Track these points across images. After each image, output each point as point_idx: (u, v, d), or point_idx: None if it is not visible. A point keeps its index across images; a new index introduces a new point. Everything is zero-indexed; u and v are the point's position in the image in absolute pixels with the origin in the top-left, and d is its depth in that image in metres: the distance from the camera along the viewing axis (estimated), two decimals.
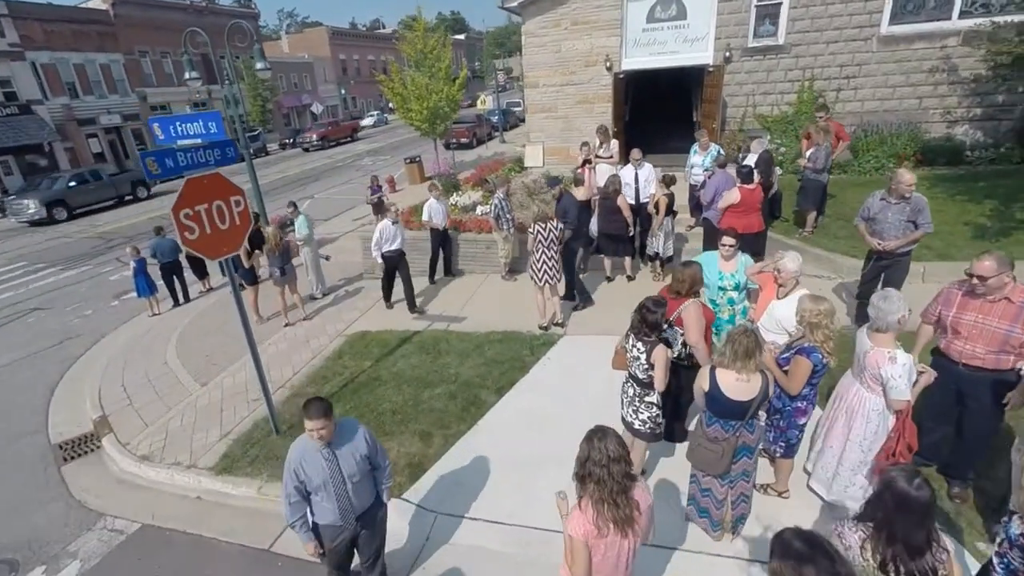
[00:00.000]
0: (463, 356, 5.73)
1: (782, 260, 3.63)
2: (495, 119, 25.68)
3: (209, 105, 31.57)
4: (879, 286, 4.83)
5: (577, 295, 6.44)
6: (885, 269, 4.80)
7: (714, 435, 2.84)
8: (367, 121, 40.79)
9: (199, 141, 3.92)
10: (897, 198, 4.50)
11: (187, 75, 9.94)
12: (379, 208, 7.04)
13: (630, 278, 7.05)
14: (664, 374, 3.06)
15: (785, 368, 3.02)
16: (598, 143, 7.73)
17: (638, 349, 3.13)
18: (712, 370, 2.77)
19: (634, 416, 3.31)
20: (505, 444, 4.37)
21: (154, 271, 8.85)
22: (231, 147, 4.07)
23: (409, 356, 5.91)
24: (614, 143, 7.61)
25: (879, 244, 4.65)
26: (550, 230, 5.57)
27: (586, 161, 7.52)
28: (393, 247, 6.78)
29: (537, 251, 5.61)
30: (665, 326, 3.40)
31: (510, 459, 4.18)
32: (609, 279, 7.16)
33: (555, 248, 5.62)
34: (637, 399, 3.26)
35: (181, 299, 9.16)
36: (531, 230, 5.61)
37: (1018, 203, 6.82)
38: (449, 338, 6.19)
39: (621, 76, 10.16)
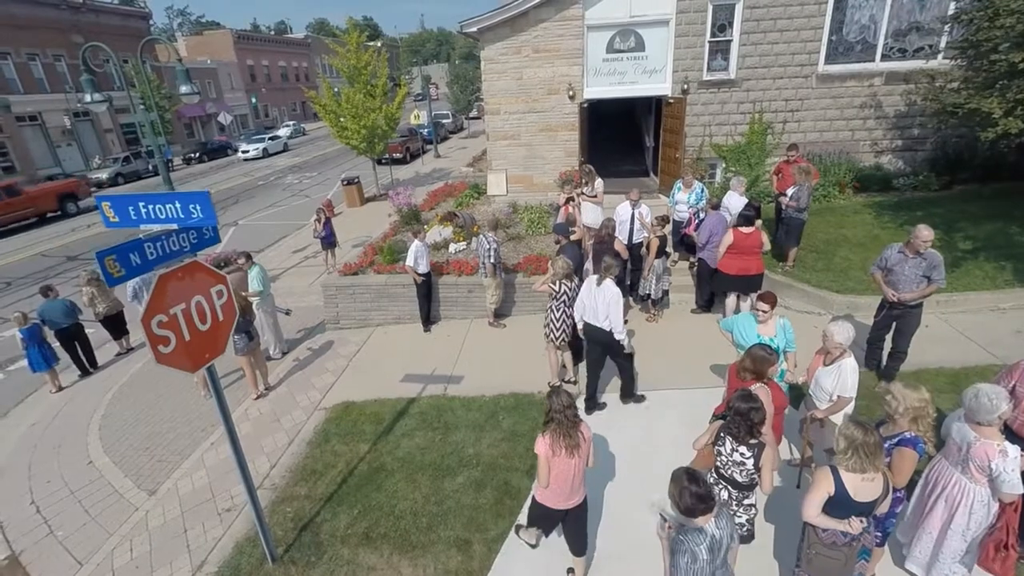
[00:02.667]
0: (477, 429, 5.23)
1: (829, 329, 3.66)
2: (426, 132, 25.06)
3: (92, 115, 27.53)
4: (890, 333, 5.09)
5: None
6: (897, 319, 4.96)
7: (831, 540, 2.71)
8: (282, 132, 37.76)
9: (173, 226, 3.11)
10: (913, 253, 4.63)
11: (88, 97, 8.38)
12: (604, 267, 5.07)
13: None
14: (772, 476, 2.94)
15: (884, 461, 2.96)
16: (583, 181, 7.65)
17: (742, 454, 2.93)
18: (836, 473, 2.62)
19: None
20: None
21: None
22: (212, 227, 3.31)
23: (412, 434, 5.30)
24: (599, 182, 7.55)
25: (894, 295, 4.78)
26: (574, 289, 5.26)
27: (569, 199, 7.39)
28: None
29: (558, 310, 5.29)
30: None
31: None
32: None
33: (571, 305, 5.35)
34: (734, 503, 3.07)
35: (88, 367, 7.72)
36: (554, 288, 5.25)
37: (958, 232, 7.66)
38: (453, 406, 5.65)
39: (585, 105, 10.24)
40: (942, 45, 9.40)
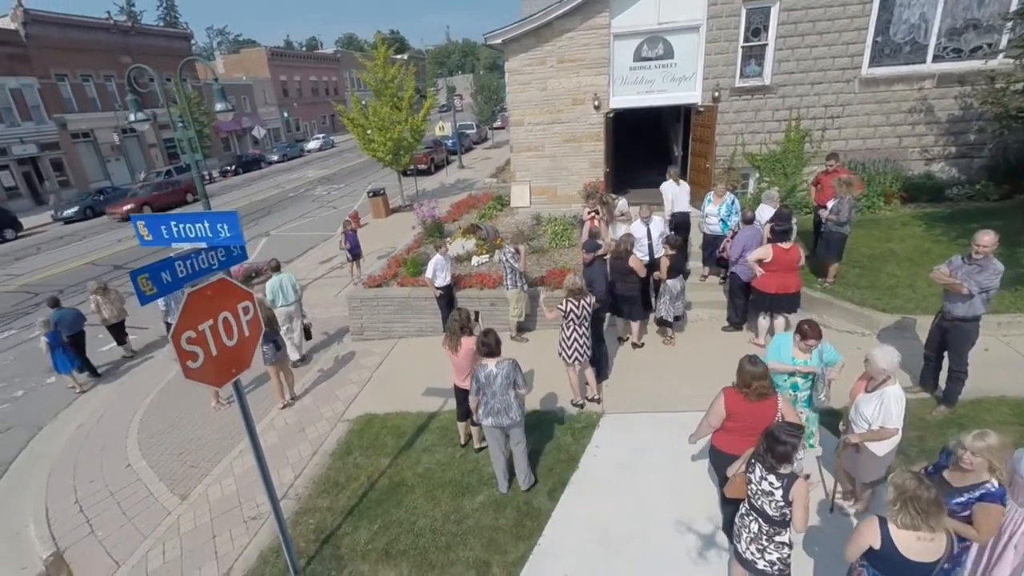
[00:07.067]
0: None
1: (872, 354, 3.50)
2: (450, 143, 25.67)
3: (138, 131, 29.61)
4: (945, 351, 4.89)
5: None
6: (945, 332, 4.80)
7: None
8: (312, 144, 39.90)
9: (202, 245, 3.34)
10: (969, 259, 4.51)
11: (132, 117, 9.10)
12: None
13: (636, 345, 6.78)
14: (805, 513, 2.74)
15: (961, 515, 2.72)
16: (605, 207, 7.67)
17: (770, 483, 2.80)
18: (884, 526, 2.42)
19: (758, 555, 2.95)
20: (578, 573, 3.90)
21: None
22: (239, 245, 3.53)
23: (433, 449, 5.41)
24: (621, 202, 7.57)
25: (934, 269, 4.75)
26: (583, 307, 5.24)
27: (594, 212, 7.41)
28: None
29: (568, 328, 5.29)
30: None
31: None
32: (621, 339, 6.95)
33: (587, 325, 5.35)
34: (764, 537, 2.91)
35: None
36: (562, 306, 5.26)
37: (1021, 247, 7.16)
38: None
39: (611, 115, 10.27)
40: (1003, 44, 8.96)
